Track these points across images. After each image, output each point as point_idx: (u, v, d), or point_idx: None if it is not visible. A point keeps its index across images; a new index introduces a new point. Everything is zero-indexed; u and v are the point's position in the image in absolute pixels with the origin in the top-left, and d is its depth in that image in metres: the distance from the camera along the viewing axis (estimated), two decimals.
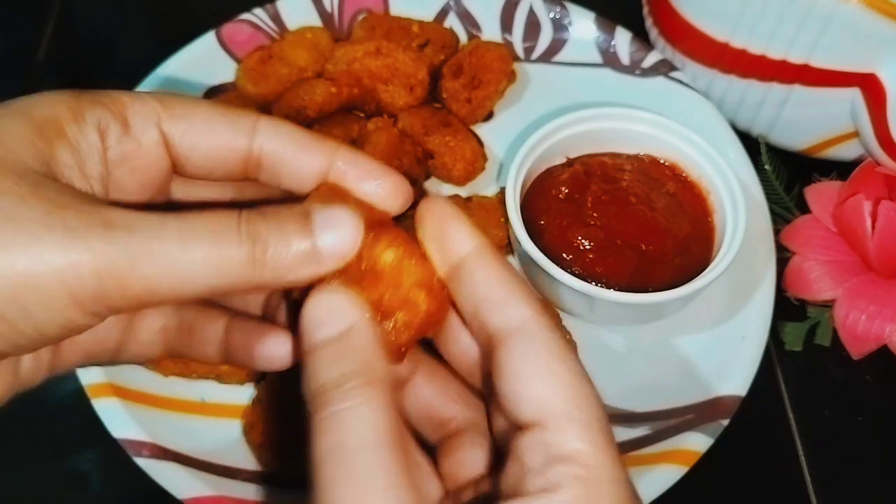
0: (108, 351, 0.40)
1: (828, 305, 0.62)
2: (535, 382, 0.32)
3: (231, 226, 0.32)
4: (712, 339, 0.60)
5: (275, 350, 0.39)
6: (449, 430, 0.38)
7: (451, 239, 0.35)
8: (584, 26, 0.74)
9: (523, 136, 0.62)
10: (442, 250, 0.35)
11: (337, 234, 0.33)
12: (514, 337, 0.33)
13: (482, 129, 0.70)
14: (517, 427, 0.32)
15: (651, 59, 0.72)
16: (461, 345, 0.37)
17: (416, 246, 0.36)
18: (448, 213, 0.35)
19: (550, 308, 0.60)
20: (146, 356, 0.41)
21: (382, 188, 0.37)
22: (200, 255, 0.31)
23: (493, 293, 0.34)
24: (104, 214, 0.30)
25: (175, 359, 0.55)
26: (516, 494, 0.30)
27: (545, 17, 0.74)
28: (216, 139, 0.37)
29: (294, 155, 0.37)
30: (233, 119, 0.37)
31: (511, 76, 0.71)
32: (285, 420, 0.53)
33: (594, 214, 0.59)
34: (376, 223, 0.35)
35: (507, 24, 0.75)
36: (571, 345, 0.58)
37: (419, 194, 0.61)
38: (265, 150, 0.37)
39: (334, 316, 0.33)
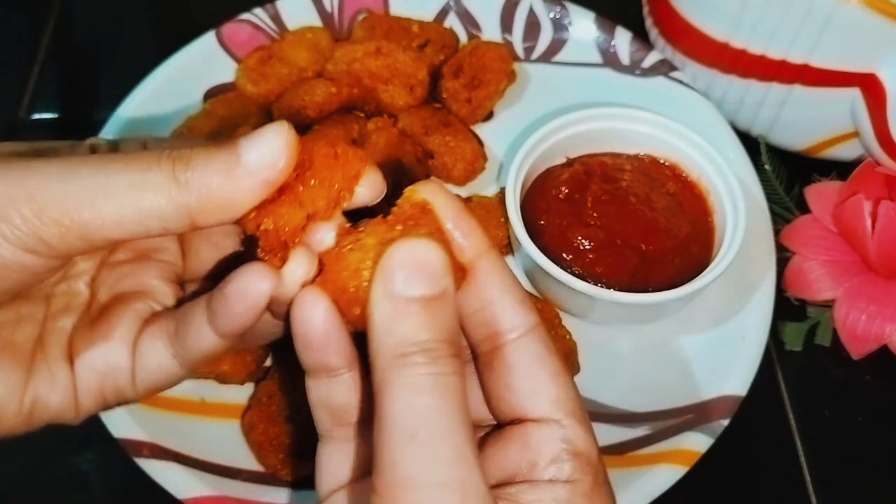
0: (125, 381, 0.39)
1: (828, 305, 0.62)
2: (549, 382, 0.34)
3: (154, 154, 0.33)
4: (712, 339, 0.60)
5: (259, 286, 0.36)
6: None
7: (467, 236, 0.35)
8: (584, 26, 0.74)
9: (523, 136, 0.62)
10: (458, 246, 0.35)
11: (262, 147, 0.33)
12: (526, 338, 0.35)
13: (482, 129, 0.70)
14: (518, 419, 0.34)
15: (651, 59, 0.72)
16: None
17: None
18: (463, 209, 0.36)
19: (551, 307, 0.60)
20: (164, 373, 0.39)
21: None
22: (126, 180, 0.32)
23: (509, 296, 0.35)
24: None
25: None
26: (529, 480, 0.32)
27: (545, 17, 0.74)
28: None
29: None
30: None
31: (511, 76, 0.71)
32: (285, 420, 0.53)
33: (594, 214, 0.59)
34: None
35: (507, 24, 0.75)
36: (571, 344, 0.58)
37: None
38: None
39: (433, 274, 0.32)
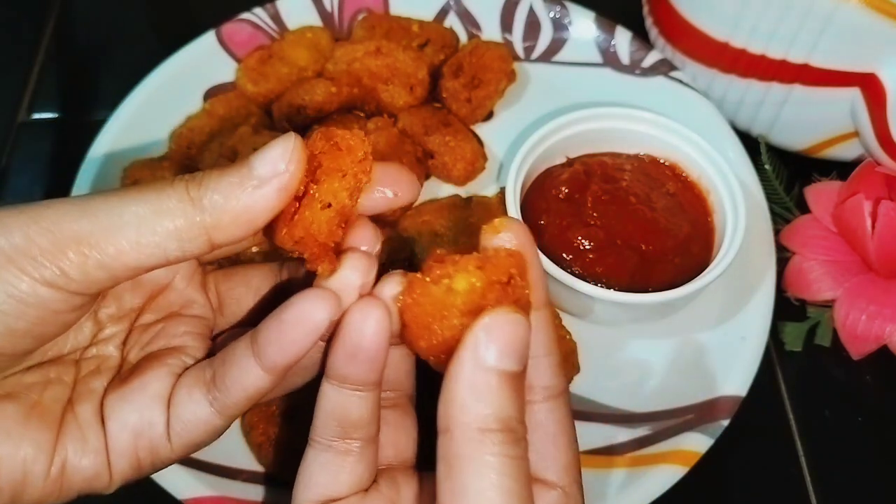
0: (160, 437, 0.38)
1: (828, 305, 0.62)
2: (566, 449, 0.36)
3: (167, 180, 0.34)
4: (712, 339, 0.60)
5: (318, 313, 0.36)
6: None
7: (535, 287, 0.36)
8: (584, 26, 0.74)
9: (523, 136, 0.62)
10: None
11: (270, 156, 0.34)
12: (555, 402, 0.37)
13: (482, 129, 0.70)
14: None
15: (651, 58, 0.72)
16: None
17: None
18: (538, 259, 0.38)
19: (552, 308, 0.60)
20: (201, 425, 0.38)
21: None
22: (141, 207, 0.33)
23: (551, 356, 0.37)
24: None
25: None
26: None
27: (545, 16, 0.74)
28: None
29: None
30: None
31: (511, 76, 0.71)
32: (285, 420, 0.53)
33: (594, 214, 0.59)
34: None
35: (507, 23, 0.75)
36: (571, 344, 0.58)
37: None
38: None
39: (523, 351, 0.33)
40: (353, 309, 0.35)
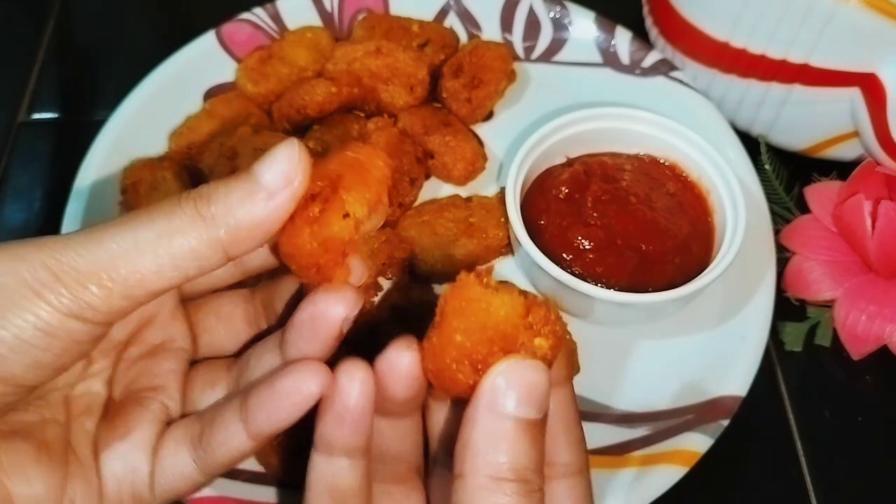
0: (143, 485, 0.38)
1: (828, 306, 0.63)
2: None
3: (174, 198, 0.34)
4: (712, 339, 0.60)
5: (307, 387, 0.37)
6: None
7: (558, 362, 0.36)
8: (584, 26, 0.74)
9: (523, 136, 0.62)
10: None
11: (276, 165, 0.34)
12: (574, 479, 0.36)
13: (482, 129, 0.70)
14: None
15: (651, 58, 0.72)
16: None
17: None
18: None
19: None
20: (184, 481, 0.39)
21: None
22: (154, 231, 0.33)
23: (570, 434, 0.36)
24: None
25: None
26: None
27: (545, 16, 0.74)
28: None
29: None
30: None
31: (511, 76, 0.71)
32: None
33: (594, 214, 0.59)
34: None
35: (507, 23, 0.75)
36: (571, 345, 0.58)
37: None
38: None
39: (542, 398, 0.32)
40: (339, 372, 0.35)
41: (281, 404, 0.35)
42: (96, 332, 0.34)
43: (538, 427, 0.32)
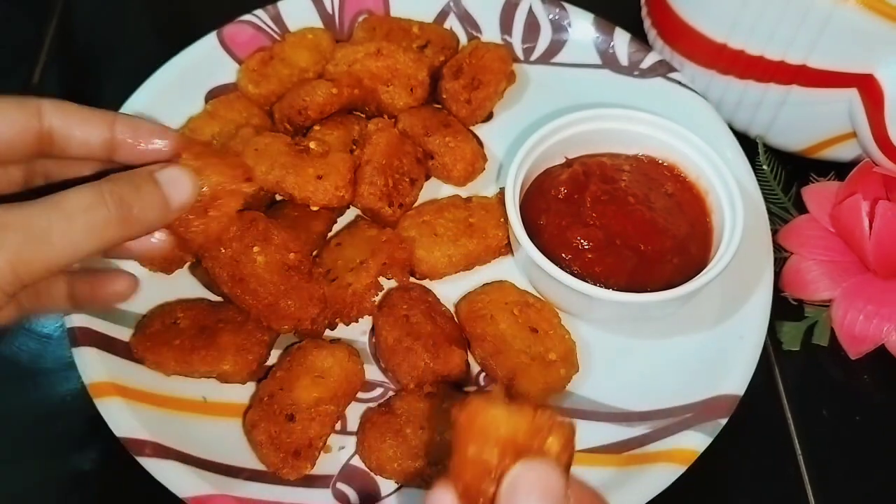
0: None
1: (825, 305, 0.63)
2: None
3: (99, 197, 0.40)
4: (710, 338, 0.60)
5: (118, 286, 0.48)
6: None
7: None
8: (583, 27, 0.74)
9: (523, 137, 0.63)
10: None
11: (179, 190, 0.44)
12: None
13: (482, 130, 0.71)
14: None
15: (650, 60, 0.72)
16: None
17: None
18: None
19: (550, 307, 0.60)
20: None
21: (164, 144, 0.46)
22: (82, 226, 0.39)
23: None
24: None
25: (178, 359, 0.55)
26: None
27: (544, 18, 0.75)
28: (14, 125, 0.42)
29: (78, 127, 0.44)
30: (20, 104, 0.43)
31: (510, 77, 0.71)
32: (286, 419, 0.53)
33: (593, 214, 0.60)
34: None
35: (506, 25, 0.75)
36: (571, 344, 0.58)
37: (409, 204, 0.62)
38: (54, 126, 0.43)
39: (551, 495, 0.33)
40: None
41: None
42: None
43: None
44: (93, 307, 0.53)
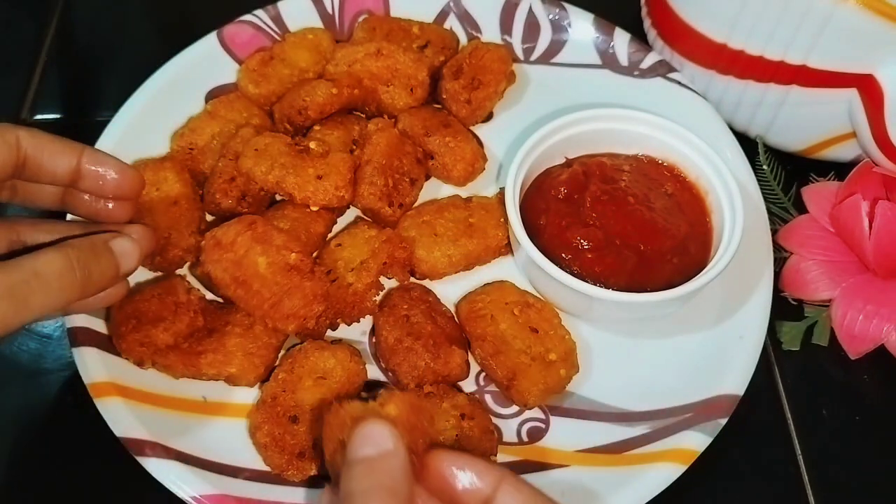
0: None
1: (825, 305, 0.63)
2: None
3: (69, 267, 0.45)
4: (710, 338, 0.60)
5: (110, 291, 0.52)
6: None
7: (483, 478, 0.41)
8: (582, 28, 0.74)
9: (523, 137, 0.63)
10: (479, 489, 0.41)
11: (129, 260, 0.50)
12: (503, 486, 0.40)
13: (482, 130, 0.71)
14: None
15: (649, 60, 0.72)
16: None
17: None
18: (466, 462, 0.42)
19: (550, 307, 0.60)
20: None
21: (124, 181, 0.51)
22: (55, 291, 0.45)
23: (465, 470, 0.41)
24: None
25: (186, 362, 0.56)
26: None
27: (544, 18, 0.75)
28: None
29: (49, 157, 0.49)
30: (1, 135, 0.47)
31: (510, 77, 0.71)
32: (290, 421, 0.54)
33: (593, 214, 0.60)
34: None
35: (506, 25, 0.75)
36: (570, 344, 0.58)
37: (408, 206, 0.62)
38: (28, 155, 0.48)
39: (376, 440, 0.39)
40: None
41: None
42: None
43: (379, 461, 0.39)
44: (79, 311, 0.55)
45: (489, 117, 0.72)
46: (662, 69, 0.72)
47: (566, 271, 0.57)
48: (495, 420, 0.56)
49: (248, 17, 0.73)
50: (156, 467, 0.52)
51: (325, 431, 0.42)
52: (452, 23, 0.76)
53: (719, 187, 0.61)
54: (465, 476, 0.42)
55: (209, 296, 0.61)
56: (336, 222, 0.65)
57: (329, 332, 0.60)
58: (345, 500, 0.38)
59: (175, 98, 0.69)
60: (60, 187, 0.51)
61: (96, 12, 0.82)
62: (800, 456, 0.58)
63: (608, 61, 0.73)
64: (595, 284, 0.57)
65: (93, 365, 0.55)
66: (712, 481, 0.56)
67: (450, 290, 0.62)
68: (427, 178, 0.67)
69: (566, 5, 0.74)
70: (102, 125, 0.67)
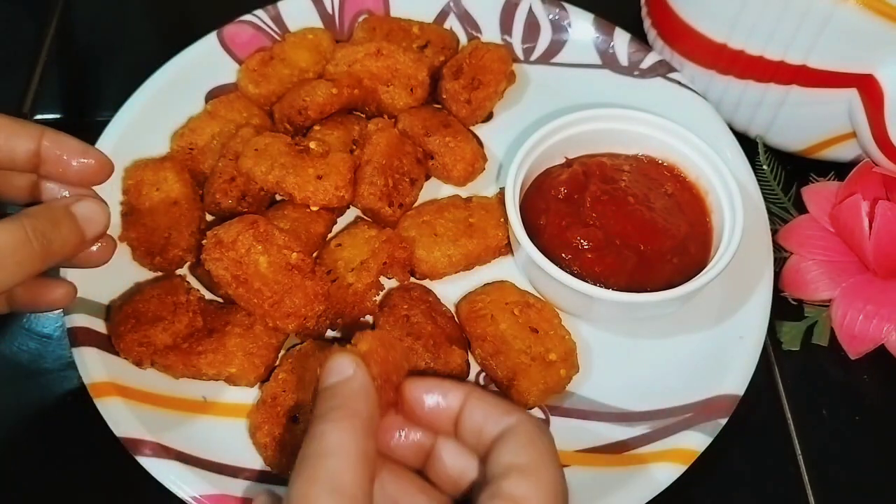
0: None
1: (825, 305, 0.63)
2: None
3: (23, 236, 0.43)
4: (710, 338, 0.60)
5: (56, 294, 0.50)
6: None
7: (448, 397, 0.44)
8: (582, 27, 0.74)
9: (523, 137, 0.63)
10: (446, 409, 0.44)
11: (94, 223, 0.47)
12: (508, 433, 0.42)
13: (482, 130, 0.71)
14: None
15: (649, 60, 0.72)
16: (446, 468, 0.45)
17: None
18: (433, 385, 0.45)
19: (550, 308, 0.60)
20: None
21: (89, 164, 0.48)
22: (11, 266, 0.43)
23: (493, 415, 0.43)
24: None
25: (186, 362, 0.56)
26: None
27: (544, 18, 0.75)
28: None
29: (5, 139, 0.47)
30: None
31: (510, 77, 0.71)
32: (291, 421, 0.54)
33: (593, 214, 0.60)
34: None
35: (506, 25, 0.75)
36: (571, 344, 0.58)
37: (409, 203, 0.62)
38: None
39: (338, 369, 0.42)
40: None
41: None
42: None
43: (341, 386, 0.41)
44: (30, 311, 0.54)
45: (489, 117, 0.72)
46: (662, 69, 0.72)
47: (566, 271, 0.57)
48: None
49: (248, 17, 0.73)
50: (156, 467, 0.52)
51: (306, 377, 0.47)
52: (452, 23, 0.76)
53: (719, 187, 0.61)
54: (432, 398, 0.44)
55: (209, 296, 0.61)
56: (336, 222, 0.65)
57: (329, 333, 0.60)
58: (310, 426, 0.40)
59: (175, 98, 0.69)
60: (31, 180, 0.49)
61: (96, 12, 0.82)
62: (800, 456, 0.58)
63: (608, 61, 0.73)
64: (595, 284, 0.57)
65: (93, 365, 0.55)
66: (712, 481, 0.56)
67: (450, 290, 0.62)
68: (427, 178, 0.67)
69: (566, 5, 0.74)
70: (102, 125, 0.67)
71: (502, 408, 0.43)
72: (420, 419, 0.45)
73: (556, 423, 0.57)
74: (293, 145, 0.63)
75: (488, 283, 0.62)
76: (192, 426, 0.55)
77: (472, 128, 0.70)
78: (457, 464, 0.44)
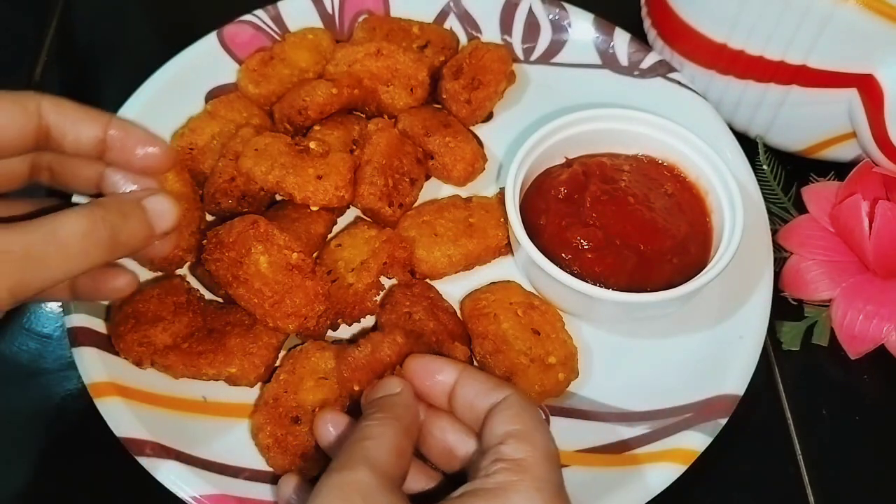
0: None
1: (825, 305, 0.63)
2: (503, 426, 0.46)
3: (93, 224, 0.43)
4: (710, 338, 0.60)
5: (119, 283, 0.49)
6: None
7: (443, 372, 0.50)
8: (582, 27, 0.74)
9: (523, 137, 0.63)
10: (441, 383, 0.49)
11: (164, 219, 0.46)
12: (500, 405, 0.46)
13: (482, 130, 0.71)
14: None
15: (649, 60, 0.72)
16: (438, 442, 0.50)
17: None
18: (429, 360, 0.50)
19: (552, 310, 0.60)
20: None
21: (153, 153, 0.47)
22: (76, 252, 0.42)
23: (484, 391, 0.48)
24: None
25: (186, 362, 0.56)
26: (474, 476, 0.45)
27: (544, 18, 0.75)
28: (14, 121, 0.44)
29: (72, 125, 0.46)
30: (21, 100, 0.44)
31: (510, 77, 0.71)
32: (292, 421, 0.54)
33: (593, 214, 0.60)
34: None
35: (506, 25, 0.75)
36: (572, 349, 0.58)
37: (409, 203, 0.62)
38: (51, 123, 0.45)
39: (388, 387, 0.49)
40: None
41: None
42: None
43: (387, 399, 0.48)
44: (92, 300, 0.53)
45: (489, 117, 0.72)
46: (662, 69, 0.72)
47: (566, 271, 0.57)
48: None
49: (248, 17, 0.73)
50: (156, 467, 0.52)
51: (338, 379, 0.53)
52: (452, 23, 0.76)
53: (719, 187, 0.61)
54: (427, 372, 0.50)
55: (209, 296, 0.61)
56: (336, 222, 0.65)
57: (330, 333, 0.60)
58: (357, 432, 0.45)
59: (175, 98, 0.69)
60: (98, 171, 0.48)
61: (96, 12, 0.82)
62: (800, 456, 0.58)
63: (608, 61, 0.73)
64: (595, 284, 0.57)
65: (93, 365, 0.55)
66: (712, 481, 0.56)
67: (452, 290, 0.62)
68: (427, 178, 0.67)
69: (566, 5, 0.74)
70: None
71: (493, 383, 0.48)
72: (424, 396, 0.50)
73: (556, 422, 0.57)
74: (293, 145, 0.63)
75: (494, 282, 0.62)
76: (192, 426, 0.55)
77: (472, 128, 0.70)
78: (448, 438, 0.49)
